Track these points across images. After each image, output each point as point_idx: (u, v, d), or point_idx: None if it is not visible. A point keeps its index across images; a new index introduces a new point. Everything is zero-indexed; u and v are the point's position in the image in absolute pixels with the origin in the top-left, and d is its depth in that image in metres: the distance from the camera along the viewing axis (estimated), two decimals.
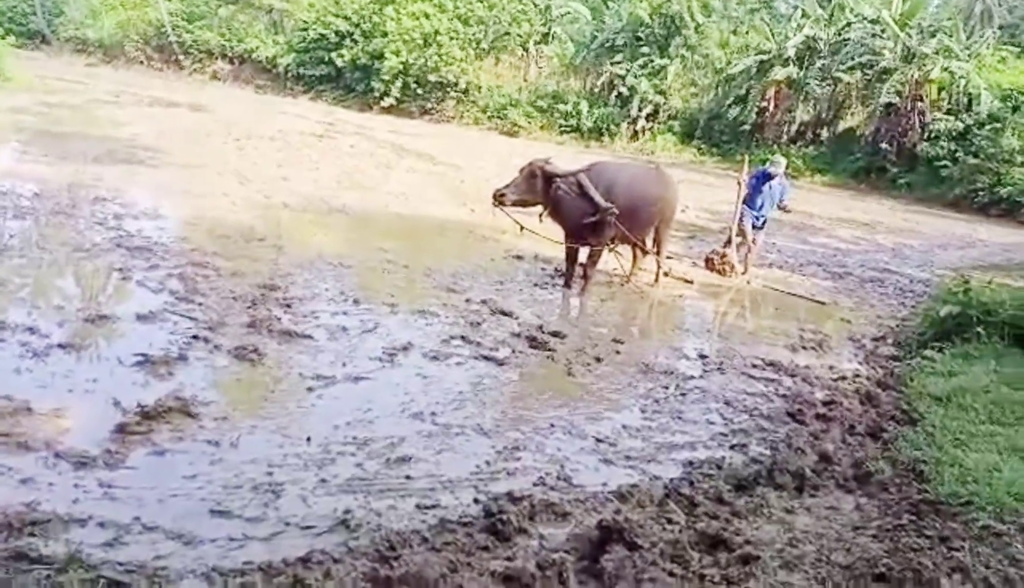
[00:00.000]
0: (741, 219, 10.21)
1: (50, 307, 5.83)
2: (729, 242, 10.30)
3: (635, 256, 9.27)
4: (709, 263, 10.33)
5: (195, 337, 5.68)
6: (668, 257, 9.63)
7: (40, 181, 10.18)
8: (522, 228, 8.30)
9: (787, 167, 10.77)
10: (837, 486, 4.54)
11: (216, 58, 35.03)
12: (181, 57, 35.12)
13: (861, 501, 4.37)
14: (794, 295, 9.77)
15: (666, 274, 9.42)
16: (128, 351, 5.28)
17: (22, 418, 4.17)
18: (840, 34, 26.80)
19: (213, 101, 25.07)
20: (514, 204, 8.06)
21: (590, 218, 8.03)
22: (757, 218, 10.36)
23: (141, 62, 35.49)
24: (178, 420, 4.45)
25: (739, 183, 10.17)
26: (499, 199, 7.95)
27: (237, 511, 3.67)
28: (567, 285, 8.48)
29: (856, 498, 4.41)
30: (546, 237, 8.57)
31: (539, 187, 7.99)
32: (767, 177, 10.21)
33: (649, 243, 9.15)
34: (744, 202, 10.16)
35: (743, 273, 10.25)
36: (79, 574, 2.99)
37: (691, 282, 9.67)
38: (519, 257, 9.61)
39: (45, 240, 7.61)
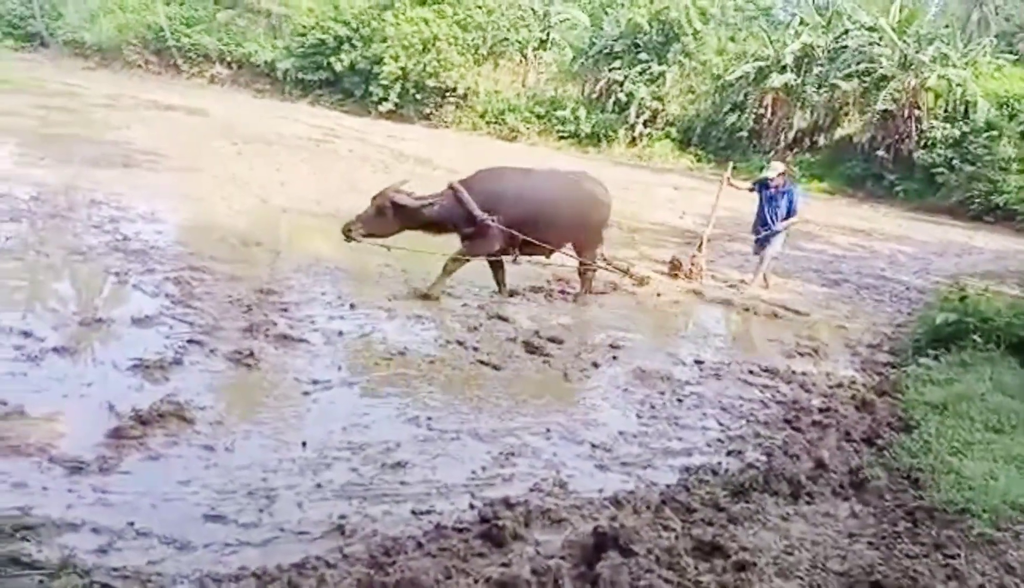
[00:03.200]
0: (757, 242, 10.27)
1: (45, 310, 5.83)
2: (701, 245, 10.28)
3: (581, 272, 8.57)
4: (674, 265, 10.12)
5: (191, 341, 5.67)
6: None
7: (37, 184, 10.16)
8: (388, 248, 7.79)
9: (784, 172, 10.42)
10: (833, 493, 4.54)
11: (214, 62, 35.00)
12: (179, 61, 35.08)
13: (857, 508, 4.37)
14: (774, 306, 9.34)
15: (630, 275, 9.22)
16: (123, 355, 5.27)
17: (16, 423, 4.14)
18: (837, 41, 26.88)
19: (211, 105, 25.05)
20: (366, 237, 7.56)
21: (468, 228, 7.67)
22: (762, 234, 10.14)
23: (139, 66, 35.43)
24: (173, 425, 4.43)
25: (721, 184, 10.24)
26: (347, 234, 7.44)
27: (231, 516, 3.66)
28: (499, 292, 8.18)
29: (852, 505, 4.41)
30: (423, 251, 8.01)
31: (390, 220, 7.53)
32: (764, 187, 10.12)
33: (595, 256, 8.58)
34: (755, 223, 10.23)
35: (759, 285, 10.14)
36: (72, 579, 2.97)
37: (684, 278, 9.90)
38: (516, 262, 9.58)
39: (41, 243, 7.60)
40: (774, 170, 10.24)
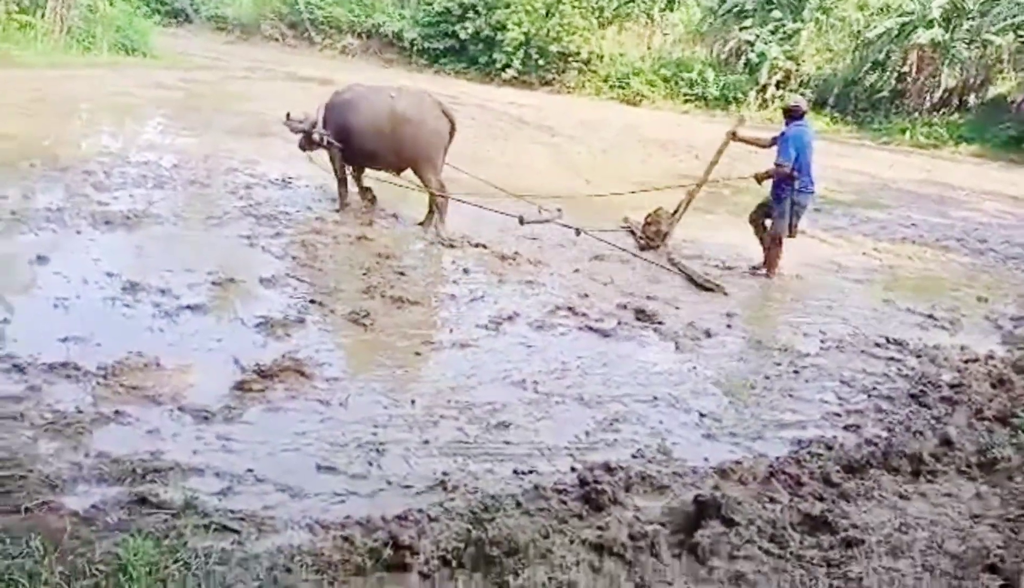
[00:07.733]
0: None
1: (183, 271, 6.19)
2: (679, 210, 8.56)
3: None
4: (646, 226, 8.67)
5: (312, 301, 5.93)
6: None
7: (179, 153, 10.80)
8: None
9: (795, 107, 8.03)
10: (958, 472, 4.30)
11: (346, 34, 35.87)
12: (313, 33, 36.24)
13: (982, 489, 4.12)
14: (685, 275, 7.82)
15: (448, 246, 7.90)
16: (250, 313, 5.57)
17: (152, 373, 4.48)
18: None
19: (341, 76, 25.71)
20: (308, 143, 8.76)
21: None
22: (776, 203, 7.98)
23: (276, 39, 36.75)
24: (293, 379, 4.66)
25: (726, 140, 8.39)
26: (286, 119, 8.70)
27: (342, 468, 3.84)
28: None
29: (977, 486, 4.16)
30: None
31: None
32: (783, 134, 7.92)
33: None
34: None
35: (763, 271, 8.20)
36: (193, 519, 3.20)
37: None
38: (632, 232, 9.45)
39: (181, 209, 8.10)
40: (793, 99, 8.27)
